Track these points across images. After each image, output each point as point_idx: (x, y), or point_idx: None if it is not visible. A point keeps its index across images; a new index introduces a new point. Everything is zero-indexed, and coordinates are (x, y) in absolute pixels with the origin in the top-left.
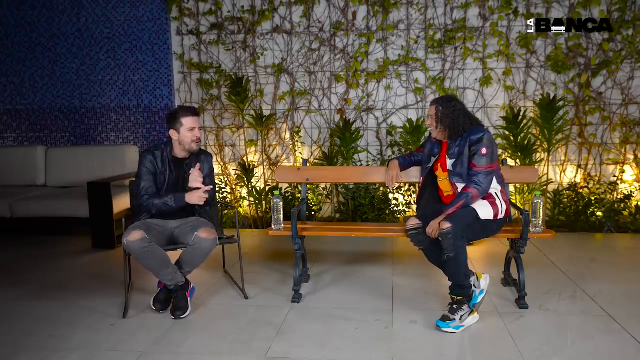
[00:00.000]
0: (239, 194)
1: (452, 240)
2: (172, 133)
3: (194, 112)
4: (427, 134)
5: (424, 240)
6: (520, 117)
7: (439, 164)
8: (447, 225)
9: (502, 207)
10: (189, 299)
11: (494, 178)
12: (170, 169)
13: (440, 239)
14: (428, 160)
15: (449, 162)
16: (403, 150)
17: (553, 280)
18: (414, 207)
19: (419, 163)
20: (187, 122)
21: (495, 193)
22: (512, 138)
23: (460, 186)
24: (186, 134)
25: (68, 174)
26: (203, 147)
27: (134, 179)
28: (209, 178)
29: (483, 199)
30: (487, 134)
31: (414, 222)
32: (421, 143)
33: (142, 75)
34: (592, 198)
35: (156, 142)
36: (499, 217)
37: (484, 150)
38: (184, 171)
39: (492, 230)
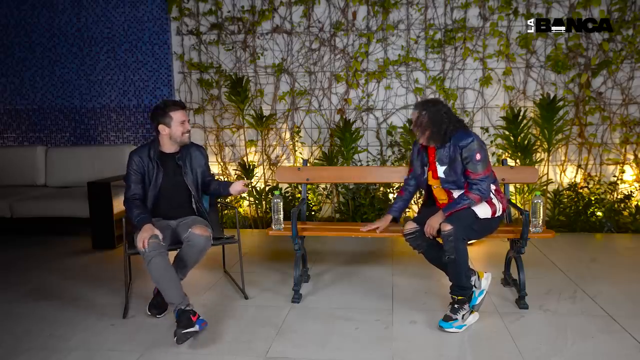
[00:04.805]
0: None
1: (453, 243)
2: (162, 128)
3: (182, 105)
4: (410, 154)
5: (421, 244)
6: (520, 117)
7: (429, 172)
8: (448, 227)
9: (499, 204)
10: (197, 325)
11: None
12: (158, 166)
13: (440, 240)
14: (422, 172)
15: (440, 169)
16: (403, 150)
17: (553, 280)
18: (414, 207)
19: (418, 185)
20: (177, 116)
21: (491, 192)
22: (512, 138)
23: (455, 193)
24: (177, 128)
25: (68, 174)
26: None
27: None
28: (207, 169)
29: None
30: (475, 139)
31: (411, 226)
32: (409, 160)
33: (142, 75)
34: (592, 198)
35: (143, 142)
36: (496, 215)
37: (478, 156)
38: (177, 165)
39: (492, 228)
